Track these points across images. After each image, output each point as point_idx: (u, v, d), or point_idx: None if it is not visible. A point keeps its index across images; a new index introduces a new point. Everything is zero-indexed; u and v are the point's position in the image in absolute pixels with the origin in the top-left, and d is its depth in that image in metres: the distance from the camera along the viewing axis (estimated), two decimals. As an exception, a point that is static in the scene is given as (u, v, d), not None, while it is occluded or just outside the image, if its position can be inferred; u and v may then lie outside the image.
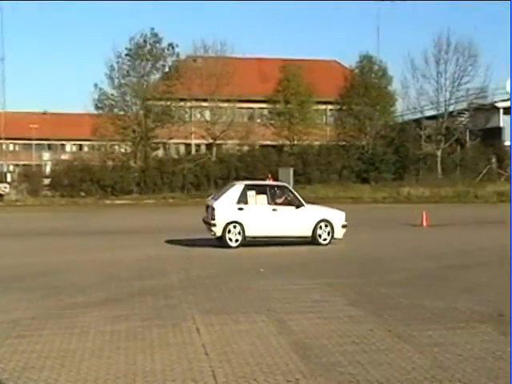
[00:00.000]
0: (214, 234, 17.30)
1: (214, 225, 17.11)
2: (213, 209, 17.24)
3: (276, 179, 45.45)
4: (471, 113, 51.77)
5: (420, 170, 49.75)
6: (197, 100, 50.12)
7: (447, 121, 50.94)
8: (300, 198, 18.05)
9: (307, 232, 17.56)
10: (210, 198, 20.07)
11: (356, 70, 52.86)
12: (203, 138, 50.84)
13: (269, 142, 51.99)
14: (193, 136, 52.74)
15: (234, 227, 17.14)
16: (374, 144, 50.63)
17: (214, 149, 50.46)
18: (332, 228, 17.65)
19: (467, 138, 52.72)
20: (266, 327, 8.40)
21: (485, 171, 47.90)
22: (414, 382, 6.26)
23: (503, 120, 55.23)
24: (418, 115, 53.16)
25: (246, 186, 17.93)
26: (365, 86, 50.66)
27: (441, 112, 51.58)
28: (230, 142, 51.53)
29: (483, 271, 12.76)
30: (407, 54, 52.53)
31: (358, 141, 51.31)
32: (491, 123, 54.42)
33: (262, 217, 17.37)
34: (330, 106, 55.45)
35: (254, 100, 54.50)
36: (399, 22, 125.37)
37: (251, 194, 17.60)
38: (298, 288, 11.12)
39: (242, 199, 17.39)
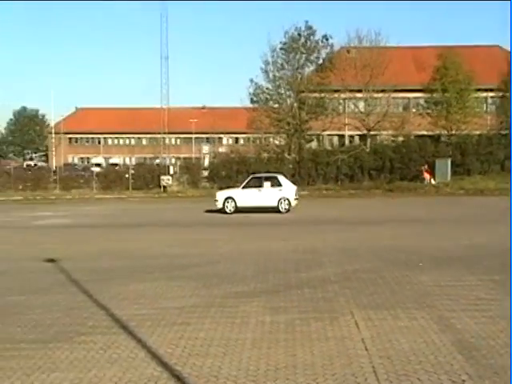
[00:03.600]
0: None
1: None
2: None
3: (432, 170, 44.16)
4: None
5: None
6: (351, 91, 49.68)
7: None
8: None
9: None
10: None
11: (521, 55, 49.88)
12: (357, 129, 50.33)
13: (425, 132, 50.41)
14: (346, 127, 52.36)
15: None
16: (541, 133, 47.49)
17: (368, 140, 49.76)
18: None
19: None
20: (427, 324, 8.15)
21: None
22: None
23: None
24: None
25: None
26: (531, 71, 47.68)
27: None
28: (384, 132, 50.57)
29: None
30: None
31: (522, 130, 48.41)
32: None
33: None
34: (490, 94, 52.81)
35: (410, 89, 53.12)
36: None
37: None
38: (460, 284, 10.68)
39: None
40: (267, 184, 28.83)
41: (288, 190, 28.75)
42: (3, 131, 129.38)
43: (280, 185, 28.74)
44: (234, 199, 28.60)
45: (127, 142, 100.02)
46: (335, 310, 9.02)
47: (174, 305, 9.63)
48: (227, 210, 28.37)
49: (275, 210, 28.06)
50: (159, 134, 76.31)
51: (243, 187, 29.25)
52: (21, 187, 48.53)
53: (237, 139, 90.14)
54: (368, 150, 47.80)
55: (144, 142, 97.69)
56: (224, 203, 28.58)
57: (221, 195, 29.20)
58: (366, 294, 10.05)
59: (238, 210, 28.36)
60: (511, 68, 46.53)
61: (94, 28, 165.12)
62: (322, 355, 6.95)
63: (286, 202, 28.33)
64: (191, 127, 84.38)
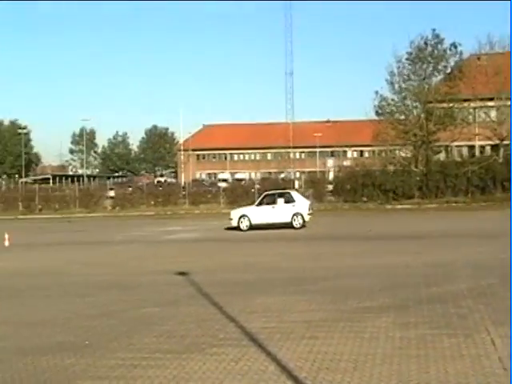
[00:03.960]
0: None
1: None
2: None
3: None
4: None
5: None
6: (481, 100, 47.87)
7: None
8: None
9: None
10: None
11: None
12: (488, 138, 48.37)
13: None
14: (477, 138, 50.45)
15: None
16: None
17: (501, 150, 47.69)
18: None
19: None
20: None
21: None
22: None
23: None
24: None
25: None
26: None
27: None
28: (518, 141, 48.32)
29: None
30: None
31: None
32: None
33: None
34: None
35: (546, 95, 50.45)
36: None
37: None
38: None
39: None
40: (281, 200, 28.98)
41: (301, 205, 28.76)
42: (136, 149, 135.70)
43: (293, 200, 28.84)
44: (248, 217, 28.65)
45: (252, 157, 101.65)
46: (469, 327, 8.69)
47: (301, 319, 9.65)
48: (242, 228, 28.34)
49: (289, 226, 27.87)
50: (284, 148, 77.42)
51: (257, 204, 29.55)
52: (153, 203, 50.45)
53: (361, 152, 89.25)
54: (501, 161, 45.75)
55: (269, 156, 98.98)
56: (238, 221, 28.61)
57: (235, 213, 29.26)
58: (502, 311, 9.59)
59: (252, 227, 28.29)
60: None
61: (218, 47, 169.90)
62: (456, 373, 6.70)
63: (300, 217, 28.30)
64: (315, 141, 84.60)
